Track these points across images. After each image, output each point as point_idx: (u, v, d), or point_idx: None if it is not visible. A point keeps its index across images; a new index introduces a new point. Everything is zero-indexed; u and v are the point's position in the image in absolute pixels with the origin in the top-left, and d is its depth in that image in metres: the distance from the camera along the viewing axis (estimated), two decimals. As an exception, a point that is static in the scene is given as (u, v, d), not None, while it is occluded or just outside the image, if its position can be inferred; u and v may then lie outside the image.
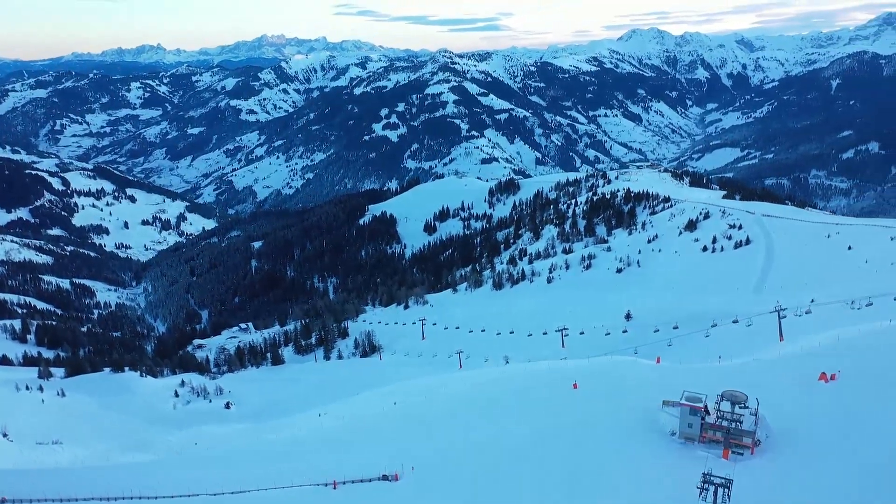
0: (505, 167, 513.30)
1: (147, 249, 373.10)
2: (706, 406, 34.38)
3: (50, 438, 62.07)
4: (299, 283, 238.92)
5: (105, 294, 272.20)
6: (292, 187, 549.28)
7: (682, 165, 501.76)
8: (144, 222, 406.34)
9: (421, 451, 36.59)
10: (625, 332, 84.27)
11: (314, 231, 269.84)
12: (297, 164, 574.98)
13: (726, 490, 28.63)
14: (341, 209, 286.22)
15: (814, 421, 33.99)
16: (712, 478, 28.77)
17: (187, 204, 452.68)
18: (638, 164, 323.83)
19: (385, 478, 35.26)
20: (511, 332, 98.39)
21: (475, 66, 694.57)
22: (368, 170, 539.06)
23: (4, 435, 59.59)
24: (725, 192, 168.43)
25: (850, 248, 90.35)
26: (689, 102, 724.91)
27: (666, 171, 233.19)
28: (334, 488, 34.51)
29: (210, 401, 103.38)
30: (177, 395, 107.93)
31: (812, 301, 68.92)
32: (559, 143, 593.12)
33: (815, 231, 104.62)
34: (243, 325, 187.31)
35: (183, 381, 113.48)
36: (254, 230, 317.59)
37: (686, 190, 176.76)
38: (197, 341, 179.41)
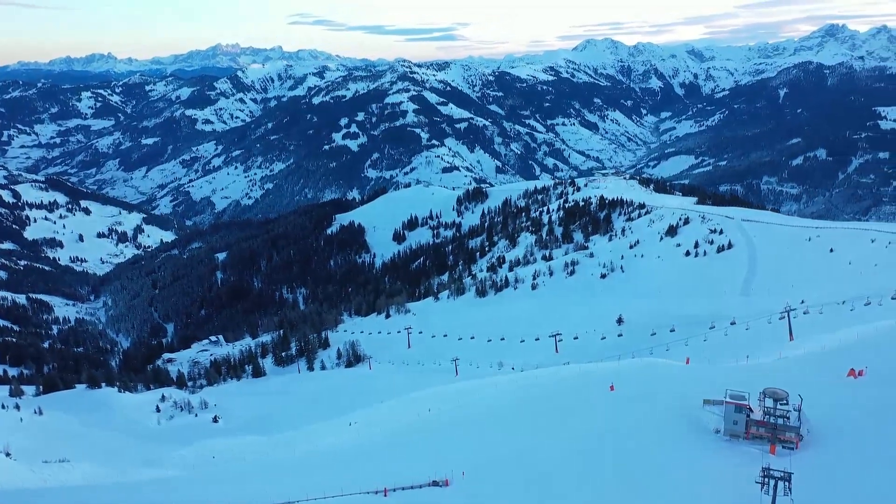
0: (466, 176, 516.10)
1: (104, 263, 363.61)
2: (749, 404, 35.39)
3: (41, 458, 60.03)
4: (267, 295, 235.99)
5: (63, 309, 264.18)
6: (251, 198, 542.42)
7: (639, 172, 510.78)
8: (100, 235, 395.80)
9: (466, 456, 36.69)
10: (620, 335, 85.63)
11: (280, 241, 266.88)
12: (255, 174, 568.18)
13: (787, 483, 29.48)
14: (307, 219, 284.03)
15: (850, 414, 35.22)
16: (772, 471, 29.63)
17: (144, 216, 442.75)
18: (603, 171, 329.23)
19: (435, 484, 35.28)
20: (502, 339, 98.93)
21: (434, 75, 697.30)
22: (329, 179, 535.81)
23: (7, 454, 57.47)
24: (697, 199, 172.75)
25: (831, 250, 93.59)
26: (644, 111, 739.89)
27: (632, 178, 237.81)
28: (385, 496, 34.38)
29: (196, 415, 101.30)
30: (158, 410, 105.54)
31: (803, 302, 71.11)
32: (518, 152, 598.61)
33: (796, 235, 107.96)
34: (214, 338, 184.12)
35: (163, 396, 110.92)
36: (216, 241, 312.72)
37: (656, 196, 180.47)
38: (167, 355, 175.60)
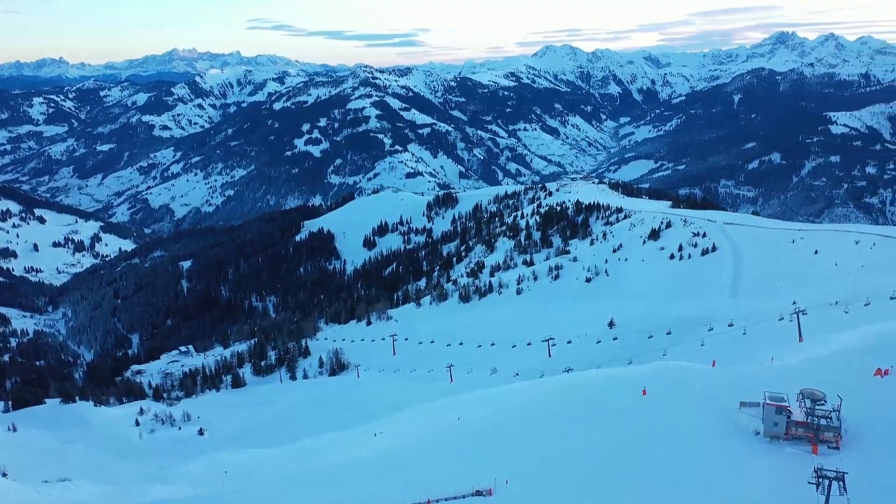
0: (430, 181, 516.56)
1: (60, 273, 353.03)
2: (788, 405, 35.69)
3: (38, 477, 57.61)
4: (236, 303, 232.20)
5: (20, 321, 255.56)
6: (212, 204, 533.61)
7: (600, 177, 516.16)
8: (56, 244, 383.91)
9: (505, 464, 36.21)
10: (615, 339, 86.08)
11: (248, 249, 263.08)
12: (216, 180, 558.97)
13: (841, 483, 29.72)
14: (275, 226, 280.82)
15: (884, 413, 35.75)
16: (825, 472, 29.86)
17: (101, 224, 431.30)
18: (571, 176, 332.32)
19: (479, 493, 34.71)
20: (492, 344, 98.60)
21: (396, 80, 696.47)
22: (291, 185, 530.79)
23: (4, 475, 54.80)
24: (671, 202, 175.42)
25: (816, 252, 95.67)
26: (604, 116, 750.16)
27: (601, 182, 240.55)
28: (429, 507, 33.75)
29: (179, 428, 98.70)
30: (138, 423, 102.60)
31: (794, 303, 72.28)
32: (481, 157, 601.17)
33: (780, 237, 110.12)
34: (184, 348, 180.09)
35: (142, 409, 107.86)
36: (180, 249, 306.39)
37: (629, 200, 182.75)
38: (135, 367, 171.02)
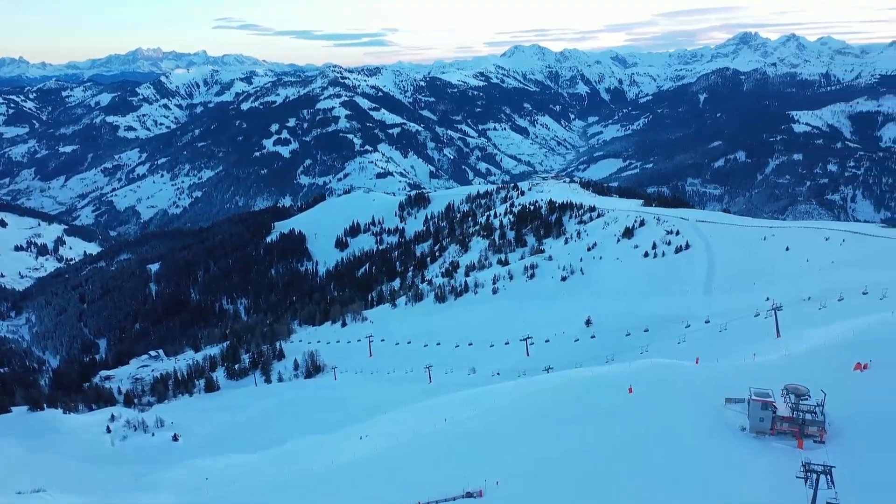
0: (400, 181, 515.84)
1: (23, 277, 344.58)
2: (774, 401, 36.15)
3: (11, 489, 55.97)
4: (206, 306, 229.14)
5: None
6: (179, 206, 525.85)
7: (569, 176, 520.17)
8: (18, 248, 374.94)
9: (495, 466, 36.07)
10: (593, 337, 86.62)
11: (218, 251, 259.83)
12: (183, 182, 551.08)
13: (829, 476, 30.16)
14: (245, 227, 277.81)
15: (865, 407, 36.36)
16: (813, 466, 30.30)
17: (65, 227, 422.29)
18: (543, 175, 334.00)
19: (469, 495, 34.52)
20: (470, 344, 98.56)
21: (365, 80, 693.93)
22: (260, 186, 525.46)
23: (-25, 487, 53.15)
24: (643, 201, 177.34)
25: (787, 249, 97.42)
26: (572, 116, 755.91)
27: (573, 181, 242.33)
28: (420, 510, 33.46)
29: (153, 434, 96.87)
30: (109, 430, 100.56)
31: (768, 299, 73.48)
32: (452, 157, 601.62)
33: (752, 234, 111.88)
34: (153, 353, 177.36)
35: (113, 416, 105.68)
36: (147, 252, 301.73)
37: (601, 199, 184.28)
38: (103, 372, 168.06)
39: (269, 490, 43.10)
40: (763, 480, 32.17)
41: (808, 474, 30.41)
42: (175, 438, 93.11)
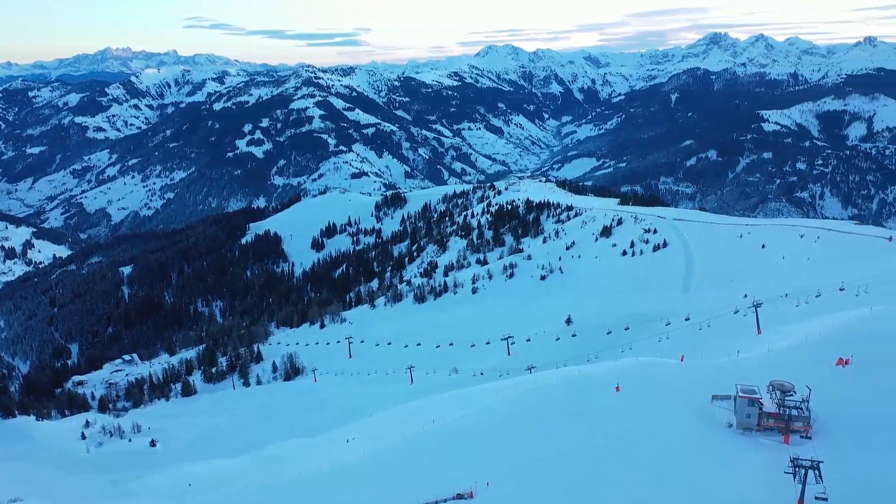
0: (375, 181, 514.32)
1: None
2: (760, 397, 36.60)
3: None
4: (181, 309, 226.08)
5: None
6: (151, 208, 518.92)
7: (544, 175, 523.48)
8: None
9: (485, 467, 36.00)
10: (574, 336, 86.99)
11: (192, 253, 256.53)
12: (155, 183, 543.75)
13: (816, 471, 30.56)
14: (219, 228, 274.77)
15: (849, 402, 37.01)
16: (801, 461, 30.69)
17: (33, 230, 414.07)
18: (519, 174, 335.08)
19: (460, 496, 34.43)
20: (451, 344, 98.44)
21: (339, 80, 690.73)
22: (234, 187, 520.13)
23: (-50, 498, 51.70)
24: (619, 200, 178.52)
25: (763, 246, 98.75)
26: (546, 115, 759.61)
27: (549, 180, 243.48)
28: (411, 512, 33.28)
29: (129, 440, 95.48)
30: (84, 437, 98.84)
31: (746, 296, 74.47)
32: (427, 157, 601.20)
33: (728, 232, 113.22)
34: (127, 357, 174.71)
35: (87, 422, 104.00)
36: (119, 255, 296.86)
37: (577, 198, 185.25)
38: (76, 378, 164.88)
39: (257, 495, 42.54)
40: (752, 476, 32.56)
41: (797, 469, 30.87)
42: (153, 444, 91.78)
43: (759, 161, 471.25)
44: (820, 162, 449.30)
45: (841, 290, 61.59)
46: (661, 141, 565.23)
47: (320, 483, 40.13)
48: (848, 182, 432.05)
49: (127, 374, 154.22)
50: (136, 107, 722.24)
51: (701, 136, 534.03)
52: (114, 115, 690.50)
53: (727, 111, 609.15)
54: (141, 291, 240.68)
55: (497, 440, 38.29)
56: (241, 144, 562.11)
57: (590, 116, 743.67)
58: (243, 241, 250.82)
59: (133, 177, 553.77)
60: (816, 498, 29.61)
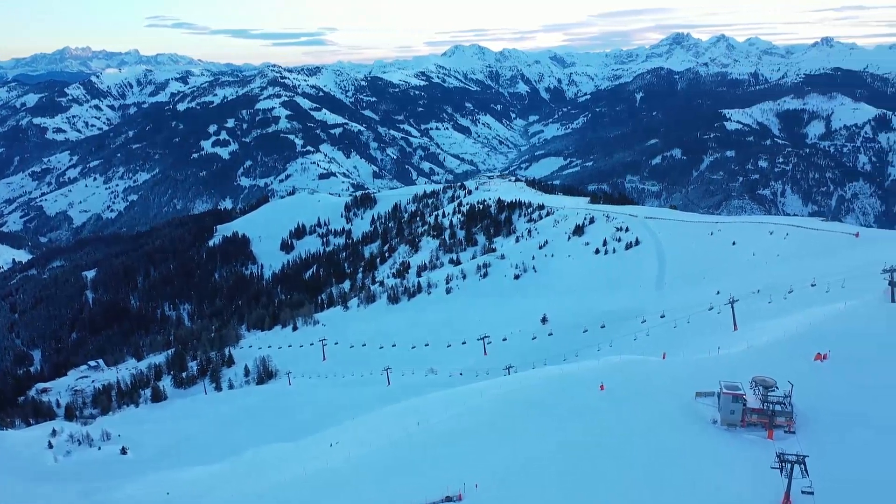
0: (343, 182, 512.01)
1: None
2: (744, 393, 37.02)
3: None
4: (148, 313, 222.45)
5: None
6: (114, 210, 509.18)
7: (512, 174, 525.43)
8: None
9: (472, 469, 35.80)
10: (550, 335, 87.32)
11: (157, 256, 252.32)
12: (117, 185, 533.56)
13: (803, 465, 30.97)
14: (186, 231, 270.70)
15: (829, 396, 37.61)
16: (787, 456, 31.08)
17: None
18: (489, 174, 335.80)
19: (449, 499, 34.17)
20: (426, 345, 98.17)
21: (305, 80, 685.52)
22: (199, 189, 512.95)
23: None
24: (590, 198, 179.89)
25: (734, 243, 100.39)
26: (513, 115, 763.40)
27: (518, 180, 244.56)
28: (400, 516, 32.96)
29: (99, 448, 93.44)
30: (51, 446, 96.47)
31: (718, 293, 75.50)
32: (395, 157, 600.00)
33: (698, 229, 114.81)
34: (93, 363, 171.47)
35: (54, 430, 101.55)
36: (82, 258, 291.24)
37: (548, 197, 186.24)
38: (40, 385, 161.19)
39: (243, 503, 41.75)
40: (738, 472, 32.90)
41: (783, 464, 31.26)
42: (123, 452, 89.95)
43: (723, 159, 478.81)
44: (781, 160, 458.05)
45: (812, 285, 62.79)
46: (627, 140, 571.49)
47: (306, 489, 39.58)
48: (808, 179, 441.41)
49: (93, 381, 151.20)
50: (97, 107, 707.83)
51: (666, 135, 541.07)
52: (74, 116, 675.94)
53: (691, 110, 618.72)
54: (106, 296, 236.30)
55: (484, 441, 38.16)
56: (207, 145, 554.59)
57: (556, 116, 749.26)
58: (211, 243, 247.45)
59: (95, 179, 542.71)
60: (803, 492, 29.91)
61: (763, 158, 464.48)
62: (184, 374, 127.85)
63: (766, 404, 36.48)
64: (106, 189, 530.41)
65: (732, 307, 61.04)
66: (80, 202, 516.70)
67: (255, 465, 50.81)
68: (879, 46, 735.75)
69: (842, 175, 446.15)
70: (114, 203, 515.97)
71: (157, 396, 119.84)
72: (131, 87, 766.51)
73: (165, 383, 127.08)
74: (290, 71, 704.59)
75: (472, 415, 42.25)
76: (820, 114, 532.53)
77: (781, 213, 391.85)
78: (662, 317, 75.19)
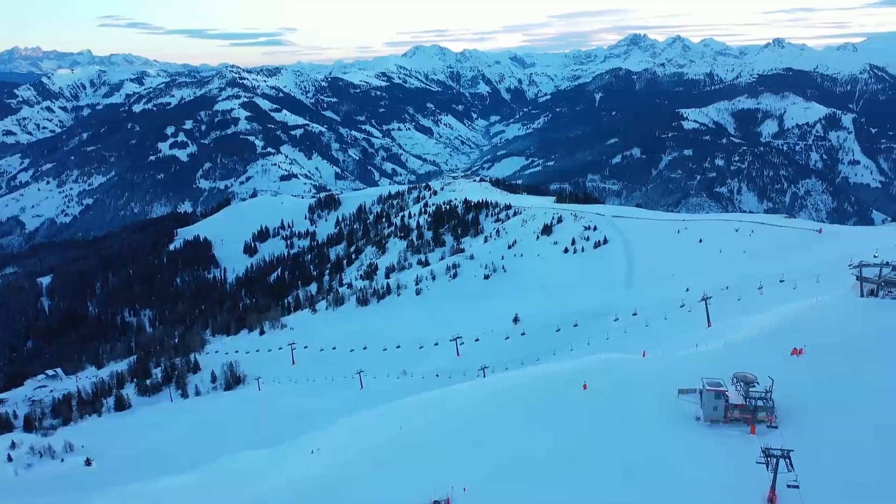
0: (305, 183, 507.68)
1: None
2: (726, 389, 37.47)
3: None
4: (107, 320, 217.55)
5: None
6: (69, 215, 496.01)
7: (475, 174, 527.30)
8: None
9: (459, 472, 35.44)
10: (523, 334, 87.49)
11: (116, 261, 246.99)
12: (72, 189, 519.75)
13: (787, 460, 31.43)
14: (145, 235, 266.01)
15: (807, 390, 38.29)
16: (772, 451, 31.52)
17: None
18: (453, 174, 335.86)
19: (436, 503, 33.92)
20: (398, 347, 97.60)
21: (265, 81, 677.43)
22: (157, 192, 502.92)
23: None
24: (556, 198, 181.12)
25: (700, 240, 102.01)
26: (475, 115, 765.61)
27: (483, 180, 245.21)
28: (388, 523, 32.51)
29: (61, 460, 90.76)
30: (10, 459, 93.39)
31: (688, 290, 76.57)
32: (357, 158, 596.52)
33: (665, 228, 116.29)
34: (51, 372, 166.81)
35: (13, 443, 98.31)
36: (36, 265, 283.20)
37: (514, 197, 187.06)
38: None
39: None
40: (724, 467, 33.25)
41: (769, 459, 31.70)
42: (88, 463, 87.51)
43: (681, 158, 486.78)
44: (737, 158, 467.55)
45: (781, 281, 64.11)
46: (588, 140, 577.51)
47: (291, 497, 38.72)
48: (763, 177, 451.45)
49: (52, 391, 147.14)
50: (48, 109, 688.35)
51: (625, 135, 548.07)
52: (24, 118, 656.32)
53: (649, 110, 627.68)
54: (62, 303, 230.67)
55: (470, 444, 37.93)
56: (164, 147, 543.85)
57: (517, 116, 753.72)
58: (171, 247, 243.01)
59: (48, 182, 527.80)
60: (788, 486, 30.33)
61: (720, 157, 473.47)
62: (148, 382, 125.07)
63: (748, 400, 36.96)
64: (59, 193, 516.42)
65: (706, 304, 61.87)
66: (33, 206, 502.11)
67: (234, 474, 49.71)
68: (828, 47, 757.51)
69: (795, 172, 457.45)
70: (68, 207, 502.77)
71: (121, 405, 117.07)
72: (84, 88, 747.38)
73: (129, 391, 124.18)
74: (249, 72, 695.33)
75: (455, 417, 42.00)
76: (773, 113, 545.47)
77: (738, 210, 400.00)
78: (635, 314, 75.92)
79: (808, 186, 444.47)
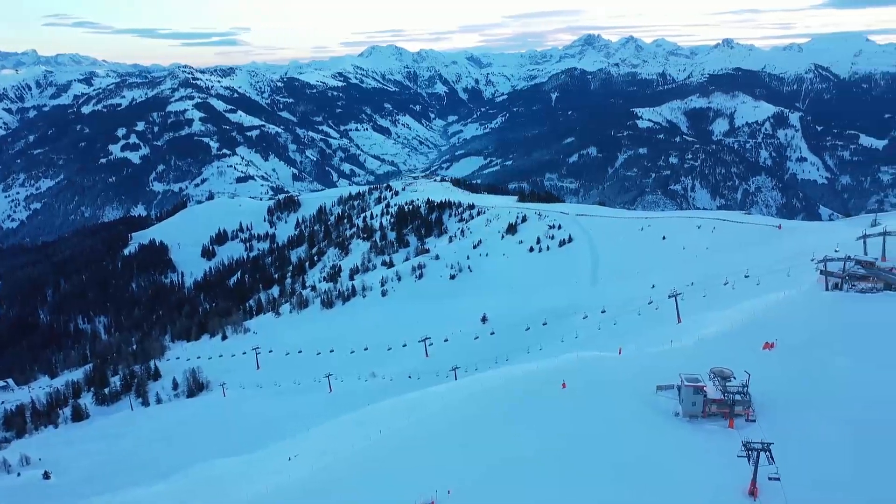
0: (262, 185, 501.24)
1: None
2: (704, 385, 38.00)
3: None
4: (59, 327, 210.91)
5: None
6: (15, 220, 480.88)
7: (433, 174, 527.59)
8: None
9: (443, 475, 35.11)
10: (492, 334, 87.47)
11: (68, 266, 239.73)
12: (18, 193, 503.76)
13: (768, 453, 32.00)
14: (98, 240, 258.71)
15: (781, 383, 39.13)
16: (752, 444, 32.07)
17: None
18: (413, 175, 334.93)
19: (422, 506, 33.62)
20: (366, 349, 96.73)
21: (219, 81, 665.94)
22: (109, 195, 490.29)
23: None
24: (518, 197, 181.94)
25: (664, 238, 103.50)
26: (433, 115, 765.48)
27: (444, 180, 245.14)
28: (374, 528, 32.05)
29: (18, 474, 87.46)
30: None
31: (653, 287, 77.66)
32: (314, 159, 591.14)
33: (629, 225, 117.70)
34: (1, 383, 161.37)
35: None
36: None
37: (476, 196, 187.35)
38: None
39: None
40: (705, 461, 33.77)
41: (749, 452, 32.22)
42: (47, 476, 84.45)
43: (636, 156, 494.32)
44: (690, 156, 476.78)
45: (746, 276, 65.44)
46: (545, 139, 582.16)
47: (280, 500, 37.91)
48: (715, 174, 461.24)
49: (3, 402, 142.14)
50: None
51: (581, 134, 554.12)
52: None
53: (604, 109, 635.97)
54: (11, 310, 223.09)
55: (452, 446, 37.70)
56: (115, 149, 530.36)
57: (475, 116, 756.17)
58: (126, 251, 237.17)
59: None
60: (769, 478, 30.86)
61: (673, 155, 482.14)
62: (106, 391, 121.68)
63: (725, 394, 37.57)
64: (5, 197, 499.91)
65: (676, 300, 62.75)
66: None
67: (210, 482, 48.52)
68: (775, 48, 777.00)
69: (746, 170, 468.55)
70: (14, 212, 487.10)
71: (79, 415, 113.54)
72: (30, 89, 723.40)
73: (86, 401, 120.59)
74: (202, 72, 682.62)
75: (436, 420, 41.72)
76: (724, 112, 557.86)
77: (692, 207, 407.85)
78: (603, 312, 76.64)
79: (759, 183, 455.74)
